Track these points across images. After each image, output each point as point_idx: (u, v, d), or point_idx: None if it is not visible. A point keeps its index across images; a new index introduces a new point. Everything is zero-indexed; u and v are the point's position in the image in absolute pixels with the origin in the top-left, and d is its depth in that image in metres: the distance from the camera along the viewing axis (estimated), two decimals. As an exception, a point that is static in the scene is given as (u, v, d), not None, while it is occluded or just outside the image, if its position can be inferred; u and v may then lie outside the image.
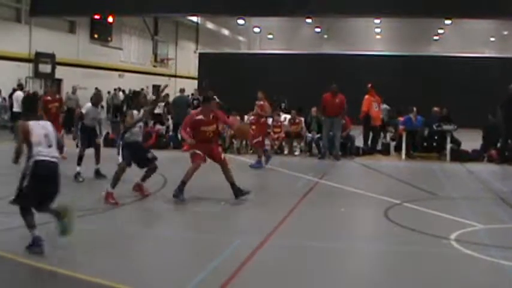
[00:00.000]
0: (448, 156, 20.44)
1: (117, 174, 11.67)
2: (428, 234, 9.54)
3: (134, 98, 13.92)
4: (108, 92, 41.17)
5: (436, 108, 22.41)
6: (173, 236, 9.46)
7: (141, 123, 12.29)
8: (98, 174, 14.81)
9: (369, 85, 22.24)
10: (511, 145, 19.91)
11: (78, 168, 14.36)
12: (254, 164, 17.70)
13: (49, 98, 18.32)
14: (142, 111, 12.23)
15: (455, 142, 21.13)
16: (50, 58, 36.38)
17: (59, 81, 38.34)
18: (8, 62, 33.01)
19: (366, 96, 22.03)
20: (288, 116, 22.43)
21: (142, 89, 37.61)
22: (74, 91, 29.78)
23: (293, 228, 10.05)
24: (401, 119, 21.87)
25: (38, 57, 35.63)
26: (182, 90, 26.08)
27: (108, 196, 11.52)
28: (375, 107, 21.90)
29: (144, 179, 12.39)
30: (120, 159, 11.86)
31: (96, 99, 15.29)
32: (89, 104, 15.09)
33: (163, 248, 8.83)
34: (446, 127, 20.70)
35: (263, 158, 17.82)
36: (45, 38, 35.96)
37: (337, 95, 20.24)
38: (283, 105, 29.76)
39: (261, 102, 18.47)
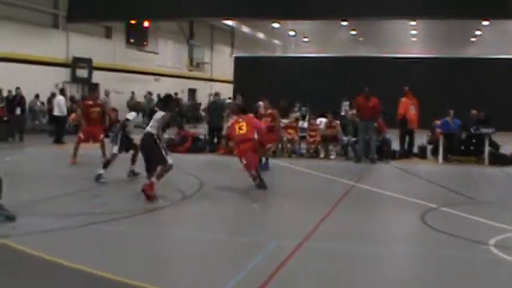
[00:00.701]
0: (486, 159, 20.20)
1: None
2: (466, 239, 9.42)
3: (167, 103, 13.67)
4: (144, 96, 41.43)
5: (474, 111, 22.19)
6: (208, 238, 9.44)
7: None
8: (133, 173, 15.08)
9: (406, 88, 22.08)
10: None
11: (102, 171, 14.48)
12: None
13: (90, 102, 18.50)
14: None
15: (494, 145, 20.88)
16: (87, 63, 36.68)
17: (96, 85, 38.65)
18: (46, 67, 33.35)
19: (403, 99, 21.86)
20: (324, 120, 22.34)
21: (176, 94, 37.75)
22: (107, 94, 30.03)
23: (329, 232, 9.98)
24: (438, 122, 21.66)
25: (75, 62, 35.93)
26: (217, 94, 26.18)
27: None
28: (412, 110, 21.72)
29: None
30: None
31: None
32: (134, 113, 15.44)
33: (198, 250, 8.82)
34: (484, 130, 20.46)
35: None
36: (82, 43, 36.29)
37: (370, 98, 20.16)
38: (303, 110, 29.49)
39: (269, 111, 18.54)
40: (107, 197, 12.98)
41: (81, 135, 18.16)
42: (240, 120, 14.66)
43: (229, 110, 22.50)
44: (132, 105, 37.72)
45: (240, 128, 14.45)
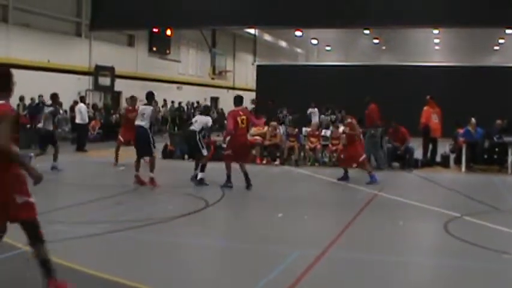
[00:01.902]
0: (509, 168, 20.06)
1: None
2: (490, 248, 9.33)
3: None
4: (166, 103, 41.58)
5: (498, 121, 22.09)
6: (229, 246, 9.44)
7: None
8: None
9: (428, 97, 21.99)
10: None
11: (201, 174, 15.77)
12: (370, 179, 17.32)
13: (130, 108, 20.04)
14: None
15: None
16: (110, 71, 36.94)
17: (118, 93, 38.87)
18: (68, 75, 33.63)
19: (425, 108, 21.77)
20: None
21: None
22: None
23: (351, 241, 9.95)
24: (460, 130, 21.56)
25: (98, 70, 36.21)
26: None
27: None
28: (435, 119, 21.62)
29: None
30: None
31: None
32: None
33: (218, 259, 8.84)
34: (507, 139, 20.34)
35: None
36: (105, 51, 36.56)
37: (368, 105, 20.19)
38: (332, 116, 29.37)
39: (349, 120, 18.12)
40: (129, 205, 13.02)
41: (121, 138, 20.08)
42: (241, 113, 15.17)
43: None
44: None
45: (242, 122, 15.01)
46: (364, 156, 17.47)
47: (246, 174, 14.96)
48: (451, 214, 12.02)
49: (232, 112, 15.21)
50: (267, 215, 12.28)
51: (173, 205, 12.65)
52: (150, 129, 15.25)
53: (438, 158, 21.90)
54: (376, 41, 64.15)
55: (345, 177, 17.26)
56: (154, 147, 15.44)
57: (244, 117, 15.07)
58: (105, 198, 13.29)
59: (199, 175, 15.67)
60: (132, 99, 20.30)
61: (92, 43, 35.81)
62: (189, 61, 48.35)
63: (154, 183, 14.91)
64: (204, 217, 12.09)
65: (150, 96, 15.98)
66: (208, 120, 16.45)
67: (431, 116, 21.60)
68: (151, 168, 15.13)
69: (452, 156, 22.04)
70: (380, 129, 20.28)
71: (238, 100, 15.52)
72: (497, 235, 10.57)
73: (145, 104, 15.73)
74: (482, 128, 21.28)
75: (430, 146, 21.78)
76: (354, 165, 17.49)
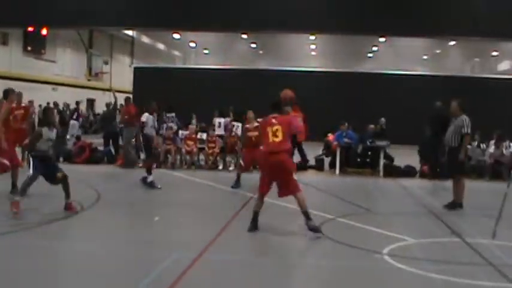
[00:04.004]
0: (381, 171, 20.70)
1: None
2: (361, 248, 9.60)
3: (44, 115, 13.91)
4: (40, 106, 40.57)
5: (371, 126, 22.71)
6: (104, 251, 9.22)
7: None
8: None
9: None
10: (442, 161, 20.24)
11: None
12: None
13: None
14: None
15: (389, 158, 21.42)
16: (-19, 70, 35.74)
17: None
18: None
19: (291, 113, 21.99)
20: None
21: (55, 104, 36.93)
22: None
23: (227, 244, 9.98)
24: (331, 137, 22.01)
25: (-32, 69, 34.98)
26: (109, 105, 25.95)
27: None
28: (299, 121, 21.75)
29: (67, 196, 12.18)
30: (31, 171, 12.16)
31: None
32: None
33: (91, 264, 8.55)
34: (379, 143, 20.96)
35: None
36: (-24, 49, 35.35)
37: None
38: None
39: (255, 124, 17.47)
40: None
41: None
42: (274, 121, 11.12)
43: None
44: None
45: (274, 134, 11.00)
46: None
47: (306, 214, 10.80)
48: (325, 216, 12.24)
49: (263, 122, 11.52)
50: (143, 218, 12.17)
51: (48, 209, 12.32)
52: None
53: (312, 162, 22.29)
54: (253, 45, 64.73)
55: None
56: None
57: (278, 127, 10.95)
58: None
59: (149, 178, 15.67)
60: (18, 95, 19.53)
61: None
62: (65, 62, 47.25)
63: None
64: (77, 221, 11.78)
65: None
66: (150, 118, 16.39)
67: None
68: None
69: (327, 160, 22.47)
70: None
71: (273, 105, 11.46)
72: (369, 235, 10.88)
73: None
74: (354, 132, 21.84)
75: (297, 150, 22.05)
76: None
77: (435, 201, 15.36)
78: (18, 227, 10.46)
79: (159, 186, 15.77)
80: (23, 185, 11.88)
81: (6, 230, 10.13)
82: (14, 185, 13.43)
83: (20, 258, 8.54)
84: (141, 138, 16.45)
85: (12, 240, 9.64)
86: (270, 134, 10.87)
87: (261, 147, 11.31)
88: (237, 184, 16.61)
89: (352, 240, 10.09)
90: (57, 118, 23.87)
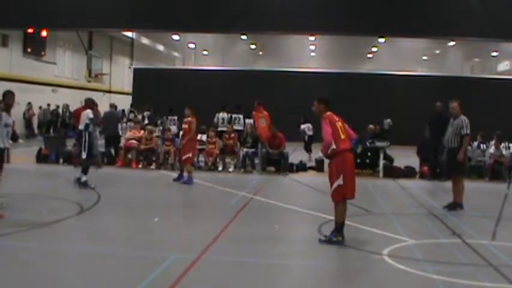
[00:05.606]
0: (381, 172, 20.67)
1: None
2: (362, 249, 9.60)
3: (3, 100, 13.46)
4: (40, 107, 40.59)
5: (371, 126, 22.67)
6: (103, 253, 9.17)
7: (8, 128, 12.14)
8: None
9: (256, 102, 22.23)
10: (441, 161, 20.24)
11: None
12: (186, 180, 17.47)
13: None
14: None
15: (388, 159, 21.39)
16: (-19, 71, 35.70)
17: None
18: None
19: (253, 113, 22.12)
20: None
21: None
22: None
23: (227, 245, 9.95)
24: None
25: (-33, 71, 34.93)
26: (112, 106, 25.90)
27: None
28: (262, 123, 21.81)
29: None
30: None
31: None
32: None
33: (91, 266, 8.53)
34: (379, 144, 20.92)
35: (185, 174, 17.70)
36: (-25, 51, 35.30)
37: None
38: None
39: (189, 119, 18.09)
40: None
41: None
42: (337, 119, 10.60)
43: None
44: (29, 117, 37.10)
45: (342, 131, 10.44)
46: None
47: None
48: (325, 217, 12.18)
49: (328, 116, 10.49)
50: (143, 219, 12.13)
51: (47, 210, 12.29)
52: None
53: (312, 163, 22.30)
54: (253, 46, 64.68)
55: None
56: None
57: (341, 124, 10.52)
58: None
59: (83, 177, 15.41)
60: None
61: (-38, 42, 34.56)
62: (65, 63, 47.16)
63: None
64: (77, 223, 11.78)
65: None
66: (88, 112, 15.86)
67: (259, 121, 21.82)
68: None
69: (327, 161, 22.43)
70: None
71: (326, 101, 10.81)
72: (369, 236, 10.85)
73: None
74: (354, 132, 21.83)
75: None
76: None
77: (435, 202, 15.35)
78: (14, 228, 10.42)
79: (92, 186, 15.45)
80: None
81: (5, 232, 10.11)
82: None
83: (19, 260, 8.53)
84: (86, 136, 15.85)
85: (12, 240, 9.62)
86: (340, 131, 10.29)
87: (330, 145, 10.25)
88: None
89: (352, 241, 10.08)
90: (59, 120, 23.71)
